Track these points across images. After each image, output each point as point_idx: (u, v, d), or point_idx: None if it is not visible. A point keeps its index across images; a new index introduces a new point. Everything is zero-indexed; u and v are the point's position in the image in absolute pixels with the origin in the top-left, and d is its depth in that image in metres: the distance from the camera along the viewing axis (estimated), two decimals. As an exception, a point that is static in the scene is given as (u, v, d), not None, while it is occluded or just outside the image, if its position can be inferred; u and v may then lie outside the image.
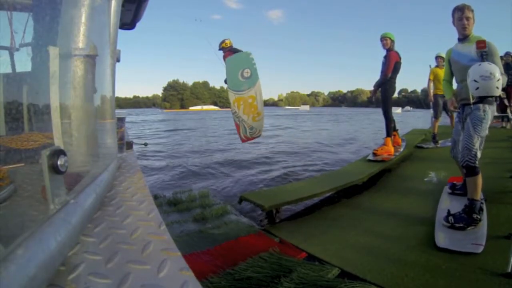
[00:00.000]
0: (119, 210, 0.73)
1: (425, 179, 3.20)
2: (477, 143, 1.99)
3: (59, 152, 0.52)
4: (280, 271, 1.60)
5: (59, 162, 0.52)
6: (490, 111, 2.02)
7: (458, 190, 2.52)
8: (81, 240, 0.57)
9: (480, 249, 1.68)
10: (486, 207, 2.10)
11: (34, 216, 0.54)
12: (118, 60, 1.21)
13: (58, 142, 0.66)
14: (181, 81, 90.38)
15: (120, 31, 1.15)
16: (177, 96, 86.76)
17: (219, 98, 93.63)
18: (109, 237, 0.59)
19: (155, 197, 3.19)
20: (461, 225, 1.93)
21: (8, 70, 0.78)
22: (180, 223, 2.50)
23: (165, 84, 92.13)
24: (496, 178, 2.95)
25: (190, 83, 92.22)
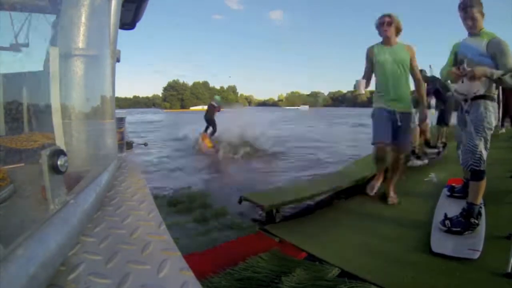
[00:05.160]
0: (119, 210, 0.73)
1: (425, 179, 3.20)
2: (481, 145, 1.86)
3: (59, 152, 0.52)
4: (280, 271, 1.60)
5: (59, 162, 0.52)
6: (492, 107, 1.89)
7: (457, 193, 2.47)
8: (81, 240, 0.57)
9: (476, 255, 1.66)
10: (486, 208, 2.10)
11: (34, 216, 0.54)
12: (118, 60, 1.21)
13: (58, 142, 0.66)
14: (181, 81, 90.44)
15: (120, 31, 1.15)
16: (177, 96, 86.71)
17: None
18: (109, 237, 0.59)
19: (155, 197, 3.19)
20: (458, 229, 1.88)
21: (8, 70, 0.78)
22: (180, 223, 2.50)
23: (165, 84, 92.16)
24: (496, 178, 2.94)
25: (190, 83, 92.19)
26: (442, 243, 1.82)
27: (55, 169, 0.51)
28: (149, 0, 1.63)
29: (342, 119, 23.07)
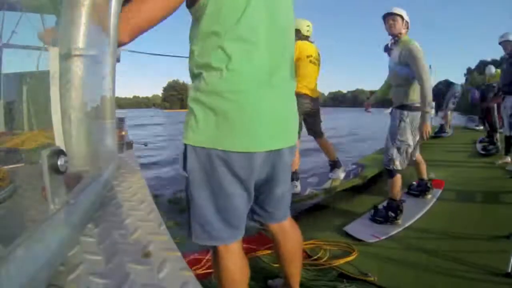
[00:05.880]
0: (119, 210, 0.73)
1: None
2: (393, 150, 2.10)
3: (59, 152, 0.52)
4: (280, 272, 1.60)
5: (59, 162, 0.52)
6: (410, 119, 2.05)
7: (412, 191, 2.63)
8: (81, 240, 0.57)
9: (372, 240, 1.88)
10: (486, 208, 2.12)
11: (34, 216, 0.54)
12: (118, 60, 1.21)
13: (58, 142, 0.66)
14: (181, 81, 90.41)
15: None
16: (177, 96, 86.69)
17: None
18: (109, 237, 0.59)
19: (155, 197, 3.18)
20: (380, 219, 2.12)
21: (8, 70, 0.79)
22: (180, 223, 2.50)
23: (165, 84, 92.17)
24: (496, 179, 2.95)
25: (190, 83, 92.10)
26: (357, 227, 2.12)
27: (55, 169, 0.51)
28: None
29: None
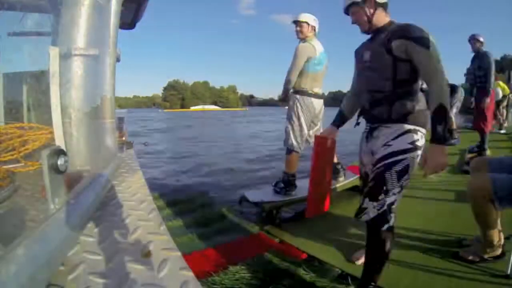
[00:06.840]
0: (119, 210, 0.73)
1: (425, 179, 3.20)
2: (289, 130, 2.45)
3: (59, 152, 0.52)
4: (280, 271, 1.60)
5: (59, 162, 0.52)
6: (301, 101, 2.41)
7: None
8: (81, 240, 0.58)
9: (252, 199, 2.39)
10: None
11: (34, 216, 0.54)
12: (118, 60, 1.21)
13: (59, 142, 0.66)
14: (181, 81, 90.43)
15: (120, 31, 1.15)
16: (177, 96, 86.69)
17: (219, 98, 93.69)
18: (109, 237, 0.59)
19: (155, 197, 3.18)
20: (276, 188, 2.56)
21: (9, 70, 0.79)
22: (180, 223, 2.50)
23: (165, 84, 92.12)
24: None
25: (190, 83, 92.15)
26: (256, 193, 2.56)
27: (55, 169, 0.51)
28: (149, 0, 1.63)
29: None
